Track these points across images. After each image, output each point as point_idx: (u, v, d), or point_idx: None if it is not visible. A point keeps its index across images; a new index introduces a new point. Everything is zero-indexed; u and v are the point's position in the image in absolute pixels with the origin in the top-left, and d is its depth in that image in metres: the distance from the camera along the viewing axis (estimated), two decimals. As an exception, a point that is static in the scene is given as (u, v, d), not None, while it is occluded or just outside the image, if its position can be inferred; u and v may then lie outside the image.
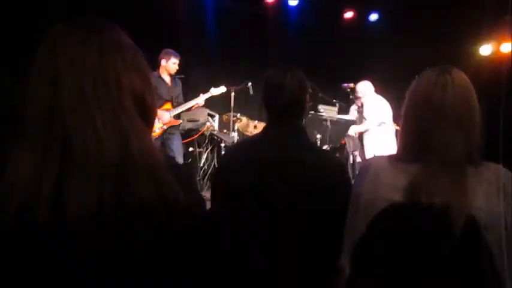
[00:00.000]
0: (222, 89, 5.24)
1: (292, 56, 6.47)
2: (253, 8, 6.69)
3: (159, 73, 5.00)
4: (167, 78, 5.06)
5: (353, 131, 5.13)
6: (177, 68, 5.05)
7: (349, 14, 7.14)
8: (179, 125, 5.19)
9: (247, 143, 1.84)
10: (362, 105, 5.33)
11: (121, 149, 0.80)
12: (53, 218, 0.74)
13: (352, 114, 5.59)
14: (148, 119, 0.92)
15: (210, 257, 0.96)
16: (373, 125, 5.19)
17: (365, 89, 5.33)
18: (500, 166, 1.23)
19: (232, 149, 1.96)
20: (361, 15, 7.17)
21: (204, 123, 5.70)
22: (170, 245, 0.84)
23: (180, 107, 5.08)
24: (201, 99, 5.13)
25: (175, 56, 5.00)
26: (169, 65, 4.99)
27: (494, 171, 1.22)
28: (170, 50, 5.00)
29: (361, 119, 5.30)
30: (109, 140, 0.79)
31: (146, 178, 0.80)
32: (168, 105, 5.03)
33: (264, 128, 1.71)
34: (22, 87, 0.86)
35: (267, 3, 6.71)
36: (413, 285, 1.20)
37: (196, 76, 6.16)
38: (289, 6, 6.78)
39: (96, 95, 0.82)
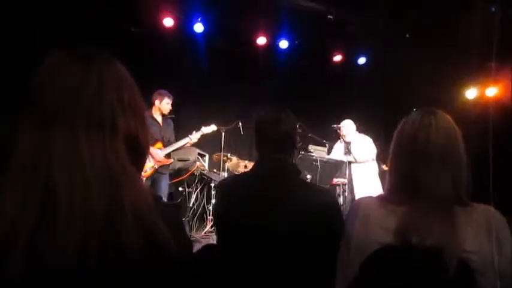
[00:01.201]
0: (213, 127, 5.26)
1: (282, 97, 6.56)
2: (245, 49, 6.83)
3: (151, 113, 5.02)
4: (159, 118, 5.08)
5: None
6: (170, 108, 5.09)
7: (337, 58, 7.31)
8: (169, 164, 5.16)
9: (241, 181, 1.84)
10: (348, 142, 5.41)
11: (111, 197, 0.75)
12: (27, 268, 0.69)
13: (337, 151, 5.61)
14: (140, 160, 0.90)
15: None
16: (371, 158, 5.27)
17: (348, 127, 5.43)
18: (489, 207, 1.24)
19: (228, 187, 1.97)
20: (350, 59, 7.33)
21: (194, 163, 5.68)
22: None
23: (171, 146, 5.08)
24: (193, 137, 5.13)
25: (169, 97, 5.05)
26: (163, 105, 5.03)
27: (482, 213, 1.22)
28: (163, 91, 5.06)
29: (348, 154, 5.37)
30: (99, 188, 0.75)
31: (136, 227, 0.75)
32: (159, 145, 5.02)
33: (255, 165, 1.74)
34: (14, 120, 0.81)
35: (258, 45, 6.85)
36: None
37: (186, 115, 6.21)
38: (280, 48, 6.92)
39: (88, 138, 0.78)
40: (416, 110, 1.36)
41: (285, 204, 1.53)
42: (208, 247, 1.66)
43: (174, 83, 5.80)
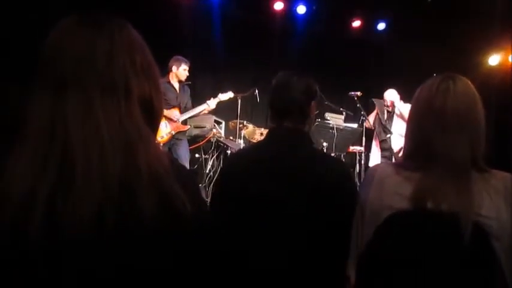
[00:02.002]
0: (230, 94, 5.26)
1: (299, 64, 6.48)
2: (261, 16, 6.71)
3: (168, 79, 5.02)
4: (176, 85, 5.08)
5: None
6: (187, 74, 5.09)
7: (356, 23, 7.14)
8: (186, 131, 5.20)
9: (250, 149, 1.82)
10: (392, 111, 5.38)
11: (127, 161, 0.76)
12: (46, 232, 0.70)
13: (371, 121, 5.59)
14: (155, 123, 0.90)
15: (215, 266, 0.92)
16: None
17: (395, 95, 5.40)
18: (509, 174, 1.22)
19: (236, 155, 1.94)
20: (369, 24, 7.16)
21: (211, 130, 5.70)
22: (174, 256, 0.80)
23: (189, 112, 5.11)
24: (210, 104, 5.14)
25: (186, 63, 5.04)
26: (180, 71, 5.03)
27: (501, 179, 1.21)
28: (180, 57, 5.04)
29: (389, 124, 5.33)
30: (115, 152, 0.75)
31: (152, 190, 0.76)
32: (176, 110, 5.05)
33: (267, 134, 1.70)
34: (26, 90, 0.82)
35: (275, 11, 6.73)
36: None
37: (202, 83, 6.19)
38: (297, 14, 6.79)
39: (102, 103, 0.78)
40: (435, 75, 1.32)
41: (295, 175, 1.50)
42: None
43: (190, 51, 5.76)
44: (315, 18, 6.87)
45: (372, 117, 5.60)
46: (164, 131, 4.88)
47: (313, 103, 1.68)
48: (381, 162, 1.38)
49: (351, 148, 5.31)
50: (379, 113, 5.53)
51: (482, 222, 1.12)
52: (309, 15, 6.83)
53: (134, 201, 0.74)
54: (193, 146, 5.59)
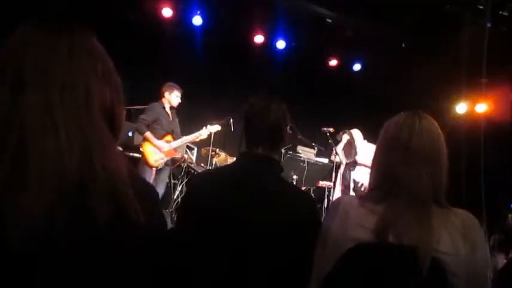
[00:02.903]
0: (217, 127, 5.25)
1: (275, 95, 6.54)
2: (241, 47, 6.82)
3: (162, 104, 5.04)
4: (169, 111, 5.10)
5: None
6: (180, 101, 5.12)
7: (333, 62, 7.33)
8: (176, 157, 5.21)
9: (216, 170, 1.80)
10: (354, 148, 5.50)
11: (83, 162, 0.74)
12: None
13: (339, 153, 5.67)
14: (116, 131, 0.88)
15: (166, 279, 0.90)
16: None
17: (357, 135, 5.54)
18: (466, 212, 1.26)
19: (202, 175, 1.91)
20: (345, 64, 7.36)
21: (182, 156, 5.67)
22: (126, 266, 0.78)
23: (181, 140, 5.13)
24: (203, 133, 5.15)
25: (179, 90, 5.09)
26: (173, 97, 5.07)
27: (459, 216, 1.25)
28: (173, 84, 5.09)
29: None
30: (71, 153, 0.73)
31: (107, 195, 0.74)
32: (169, 137, 5.06)
33: (237, 158, 1.68)
34: None
35: (255, 44, 6.85)
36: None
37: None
38: (276, 48, 6.92)
39: (62, 103, 0.77)
40: (402, 112, 1.38)
41: (260, 199, 1.49)
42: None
43: (168, 74, 5.78)
44: (293, 54, 7.02)
45: (340, 147, 5.72)
46: (158, 156, 4.90)
47: (287, 130, 1.68)
48: (346, 195, 1.40)
49: (321, 183, 5.36)
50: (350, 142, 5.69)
51: (440, 257, 1.15)
52: (287, 51, 6.97)
53: (87, 204, 0.73)
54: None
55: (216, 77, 6.57)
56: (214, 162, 5.65)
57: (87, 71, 0.82)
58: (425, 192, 1.24)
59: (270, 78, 6.90)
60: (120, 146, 5.50)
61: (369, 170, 5.30)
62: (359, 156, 5.41)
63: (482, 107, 6.25)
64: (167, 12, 6.23)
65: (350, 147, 5.63)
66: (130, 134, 5.79)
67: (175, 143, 5.08)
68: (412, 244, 1.15)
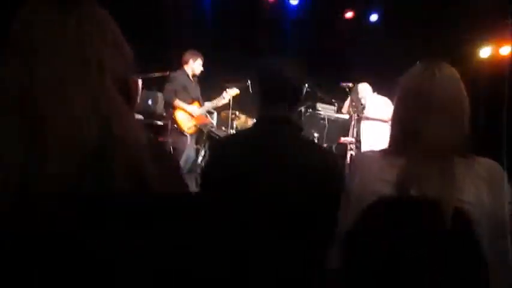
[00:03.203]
0: (236, 90, 5.25)
1: (291, 54, 6.45)
2: (254, 5, 6.68)
3: (186, 72, 5.04)
4: (192, 79, 5.11)
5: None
6: (202, 69, 5.11)
7: (349, 14, 7.13)
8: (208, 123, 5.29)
9: (238, 135, 1.80)
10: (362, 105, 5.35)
11: (102, 132, 0.75)
12: (18, 207, 0.69)
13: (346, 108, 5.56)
14: (131, 101, 0.88)
15: (186, 245, 0.91)
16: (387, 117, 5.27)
17: (364, 90, 5.35)
18: (492, 161, 1.24)
19: (223, 141, 1.91)
20: (361, 16, 7.15)
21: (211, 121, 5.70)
22: (146, 234, 0.79)
23: (208, 106, 5.17)
24: (226, 97, 5.18)
25: (201, 58, 5.08)
26: (196, 65, 5.06)
27: (485, 166, 1.23)
28: (196, 51, 5.07)
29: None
30: (89, 123, 0.74)
31: (127, 165, 0.75)
32: (196, 104, 5.09)
33: (256, 122, 1.68)
34: None
35: (267, 1, 6.69)
36: (403, 279, 1.18)
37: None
38: (290, 4, 6.75)
39: (75, 75, 0.77)
40: (419, 62, 1.34)
41: (283, 162, 1.49)
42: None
43: (183, 40, 5.73)
44: (307, 9, 6.84)
45: (347, 102, 5.60)
46: (188, 124, 4.94)
47: (303, 89, 1.67)
48: (366, 150, 1.38)
49: (342, 139, 5.32)
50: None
51: (464, 207, 1.14)
52: (301, 6, 6.80)
53: (108, 172, 0.74)
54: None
55: (229, 39, 6.48)
56: (235, 125, 5.65)
57: (98, 42, 0.82)
58: (447, 143, 1.22)
59: (285, 35, 6.77)
60: (140, 114, 5.55)
61: (378, 124, 5.25)
62: (368, 110, 5.25)
63: (507, 50, 6.03)
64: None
65: (358, 102, 5.49)
66: (150, 102, 5.81)
67: (204, 109, 5.11)
68: (434, 195, 1.14)
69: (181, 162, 4.80)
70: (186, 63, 5.06)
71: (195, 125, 5.00)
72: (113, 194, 0.74)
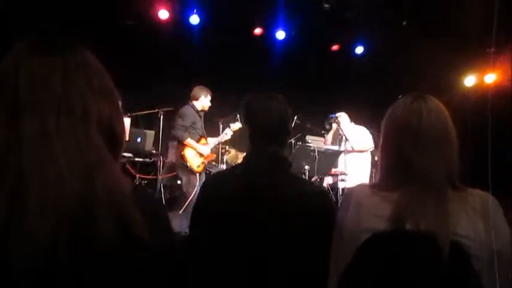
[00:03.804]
0: (239, 124, 5.20)
1: (279, 88, 6.50)
2: (241, 41, 6.79)
3: (196, 108, 5.03)
4: (200, 114, 5.11)
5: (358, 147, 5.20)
6: (209, 105, 5.13)
7: (335, 47, 7.28)
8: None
9: (227, 174, 1.79)
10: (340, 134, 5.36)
11: (84, 186, 0.73)
12: None
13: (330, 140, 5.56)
14: (117, 148, 0.86)
15: None
16: (370, 147, 5.27)
17: (342, 120, 5.37)
18: (485, 193, 1.23)
19: (214, 178, 1.90)
20: (347, 48, 7.30)
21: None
22: (133, 285, 0.77)
23: (213, 143, 5.16)
24: (228, 133, 5.20)
25: (210, 93, 5.10)
26: (207, 101, 5.08)
27: (478, 198, 1.21)
28: (205, 87, 5.09)
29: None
30: (72, 177, 0.72)
31: (110, 217, 0.73)
32: (203, 140, 5.07)
33: (245, 158, 1.66)
34: None
35: (255, 35, 6.81)
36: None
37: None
38: (277, 39, 6.88)
39: (59, 126, 0.75)
40: (402, 96, 1.35)
41: (273, 199, 1.47)
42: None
43: (171, 77, 5.79)
44: (294, 43, 6.97)
45: (330, 136, 5.63)
46: (199, 161, 4.90)
47: (291, 124, 1.67)
48: (357, 185, 1.37)
49: (333, 170, 5.31)
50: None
51: (460, 241, 1.12)
52: (288, 41, 6.93)
53: (90, 228, 0.71)
54: (175, 173, 5.53)
55: (218, 73, 6.54)
56: (225, 160, 5.64)
57: (84, 89, 0.80)
58: (440, 176, 1.21)
59: (273, 69, 6.86)
60: (129, 152, 5.52)
61: (358, 154, 5.25)
62: (353, 143, 5.21)
63: (491, 78, 6.15)
64: (164, 14, 6.23)
65: (337, 134, 5.50)
66: (138, 139, 5.81)
67: (210, 146, 5.09)
68: (430, 230, 1.12)
69: (187, 201, 4.72)
70: (197, 98, 5.04)
71: (203, 163, 4.95)
72: (96, 244, 0.71)
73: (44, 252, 0.68)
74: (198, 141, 4.96)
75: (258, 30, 6.78)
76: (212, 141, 5.17)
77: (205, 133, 5.16)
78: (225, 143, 5.55)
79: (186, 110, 4.93)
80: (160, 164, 5.59)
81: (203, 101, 5.06)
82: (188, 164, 4.82)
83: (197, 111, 5.03)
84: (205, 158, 4.97)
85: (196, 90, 5.05)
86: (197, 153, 4.90)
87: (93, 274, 0.72)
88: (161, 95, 5.67)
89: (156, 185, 5.63)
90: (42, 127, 0.75)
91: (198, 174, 4.89)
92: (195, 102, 5.04)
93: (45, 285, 0.69)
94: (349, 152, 5.19)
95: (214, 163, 5.80)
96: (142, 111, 5.57)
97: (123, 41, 5.84)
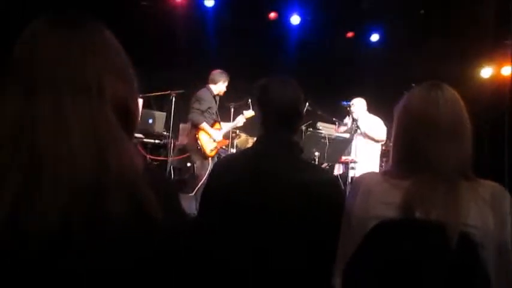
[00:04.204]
0: (251, 112, 5.15)
1: (292, 74, 6.46)
2: (255, 26, 6.74)
3: (213, 92, 5.00)
4: (215, 98, 5.09)
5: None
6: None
7: (350, 34, 7.19)
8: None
9: (237, 157, 1.78)
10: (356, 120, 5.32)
11: (98, 163, 0.73)
12: (8, 242, 0.67)
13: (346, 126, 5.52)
14: (130, 127, 0.86)
15: (186, 272, 0.89)
16: (384, 137, 5.24)
17: (358, 105, 5.32)
18: (496, 184, 1.22)
19: (223, 163, 1.90)
20: (362, 36, 7.22)
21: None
22: (144, 264, 0.77)
23: (226, 128, 5.17)
24: (240, 120, 5.18)
25: (228, 80, 5.07)
26: (224, 86, 5.06)
27: (488, 188, 1.21)
28: (224, 71, 5.06)
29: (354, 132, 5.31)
30: (84, 154, 0.73)
31: (123, 195, 0.73)
32: (218, 125, 5.08)
33: (255, 142, 1.66)
34: None
35: (269, 20, 6.75)
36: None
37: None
38: (291, 24, 6.81)
39: (74, 104, 0.75)
40: (416, 85, 1.34)
41: (283, 184, 1.47)
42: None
43: (184, 59, 5.77)
44: (308, 29, 6.90)
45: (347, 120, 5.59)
46: (210, 146, 4.91)
47: (303, 109, 1.66)
48: (367, 172, 1.37)
49: (343, 158, 5.29)
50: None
51: (469, 231, 1.12)
52: (302, 26, 6.86)
53: (103, 205, 0.72)
54: (186, 155, 5.56)
55: (232, 58, 6.51)
56: (235, 144, 5.64)
57: (100, 68, 0.80)
58: (453, 166, 1.20)
59: (286, 55, 6.82)
60: (140, 133, 5.55)
61: (370, 143, 5.23)
62: (365, 128, 5.21)
63: (508, 70, 6.06)
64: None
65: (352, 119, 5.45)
66: (150, 121, 5.83)
67: (223, 132, 5.09)
68: (439, 219, 1.12)
69: (199, 184, 4.75)
70: (215, 83, 5.00)
71: (216, 147, 4.96)
72: (108, 223, 0.72)
73: (56, 229, 0.68)
74: (212, 126, 4.96)
75: (272, 15, 6.70)
76: (225, 126, 5.17)
77: (219, 118, 5.16)
78: (236, 127, 5.56)
79: (203, 93, 4.90)
80: (171, 146, 5.62)
81: (221, 86, 5.03)
82: (202, 148, 4.82)
83: (214, 96, 5.01)
84: (218, 143, 4.97)
85: (216, 74, 5.01)
86: (211, 137, 4.91)
87: (106, 252, 0.72)
88: (174, 77, 5.67)
89: (166, 166, 5.66)
90: (58, 105, 0.75)
91: (210, 159, 4.89)
92: (212, 86, 5.00)
93: (57, 263, 0.70)
94: (360, 139, 5.17)
95: (224, 147, 5.81)
96: (155, 92, 5.57)
97: (138, 22, 5.82)
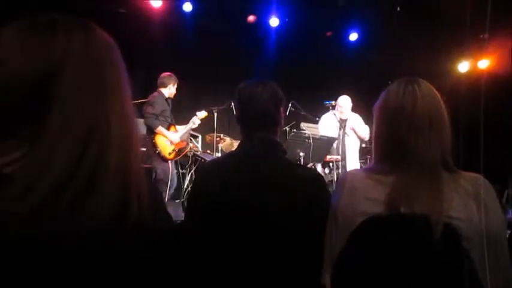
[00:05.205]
0: (204, 113, 5.29)
1: (273, 75, 6.49)
2: (234, 29, 6.75)
3: (165, 95, 5.03)
4: (169, 102, 5.12)
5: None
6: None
7: (329, 33, 7.25)
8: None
9: (221, 161, 1.80)
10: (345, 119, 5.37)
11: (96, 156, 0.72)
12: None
13: (331, 127, 5.54)
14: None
15: (175, 277, 0.89)
16: (368, 135, 5.31)
17: (347, 103, 5.36)
18: (478, 175, 1.24)
19: (208, 166, 1.91)
20: (341, 35, 7.28)
21: (187, 144, 5.66)
22: (132, 267, 0.76)
23: (181, 131, 5.16)
24: (195, 122, 5.21)
25: (177, 82, 5.11)
26: (174, 89, 5.10)
27: (470, 180, 1.23)
28: (173, 75, 5.09)
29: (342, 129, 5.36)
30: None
31: (118, 195, 0.72)
32: (173, 128, 5.10)
33: (239, 145, 1.68)
34: None
35: (249, 23, 6.77)
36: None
37: (177, 98, 6.17)
38: (270, 26, 6.84)
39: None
40: (393, 81, 1.36)
41: (268, 184, 1.49)
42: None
43: (164, 65, 5.73)
44: (288, 30, 6.93)
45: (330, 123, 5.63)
46: (169, 148, 4.96)
47: (281, 109, 1.66)
48: (351, 169, 1.38)
49: (328, 157, 5.33)
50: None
51: (453, 223, 1.13)
52: (283, 27, 6.89)
53: (94, 202, 0.71)
54: (150, 165, 5.49)
55: (212, 62, 6.52)
56: (220, 148, 5.63)
57: (77, 82, 0.78)
58: (434, 158, 1.23)
59: (267, 57, 6.83)
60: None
61: (353, 140, 5.31)
62: (356, 127, 5.29)
63: (484, 63, 6.17)
64: (157, 3, 6.16)
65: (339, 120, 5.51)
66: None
67: (180, 134, 5.10)
68: (423, 213, 1.14)
69: (167, 189, 4.77)
70: (166, 86, 5.05)
71: (175, 150, 5.00)
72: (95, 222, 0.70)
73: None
74: (168, 128, 5.00)
75: (251, 18, 6.72)
76: (181, 129, 5.19)
77: (174, 121, 5.18)
78: (219, 131, 5.55)
79: (155, 98, 4.95)
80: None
81: (171, 89, 5.08)
82: (160, 152, 4.86)
83: (166, 99, 5.05)
84: (176, 146, 5.01)
85: (165, 77, 5.06)
86: (168, 140, 4.94)
87: (93, 253, 0.70)
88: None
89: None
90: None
91: (170, 162, 4.94)
92: (163, 90, 5.05)
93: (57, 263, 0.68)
94: (348, 139, 5.24)
95: (209, 151, 5.79)
96: (135, 100, 5.52)
97: (116, 30, 5.78)
